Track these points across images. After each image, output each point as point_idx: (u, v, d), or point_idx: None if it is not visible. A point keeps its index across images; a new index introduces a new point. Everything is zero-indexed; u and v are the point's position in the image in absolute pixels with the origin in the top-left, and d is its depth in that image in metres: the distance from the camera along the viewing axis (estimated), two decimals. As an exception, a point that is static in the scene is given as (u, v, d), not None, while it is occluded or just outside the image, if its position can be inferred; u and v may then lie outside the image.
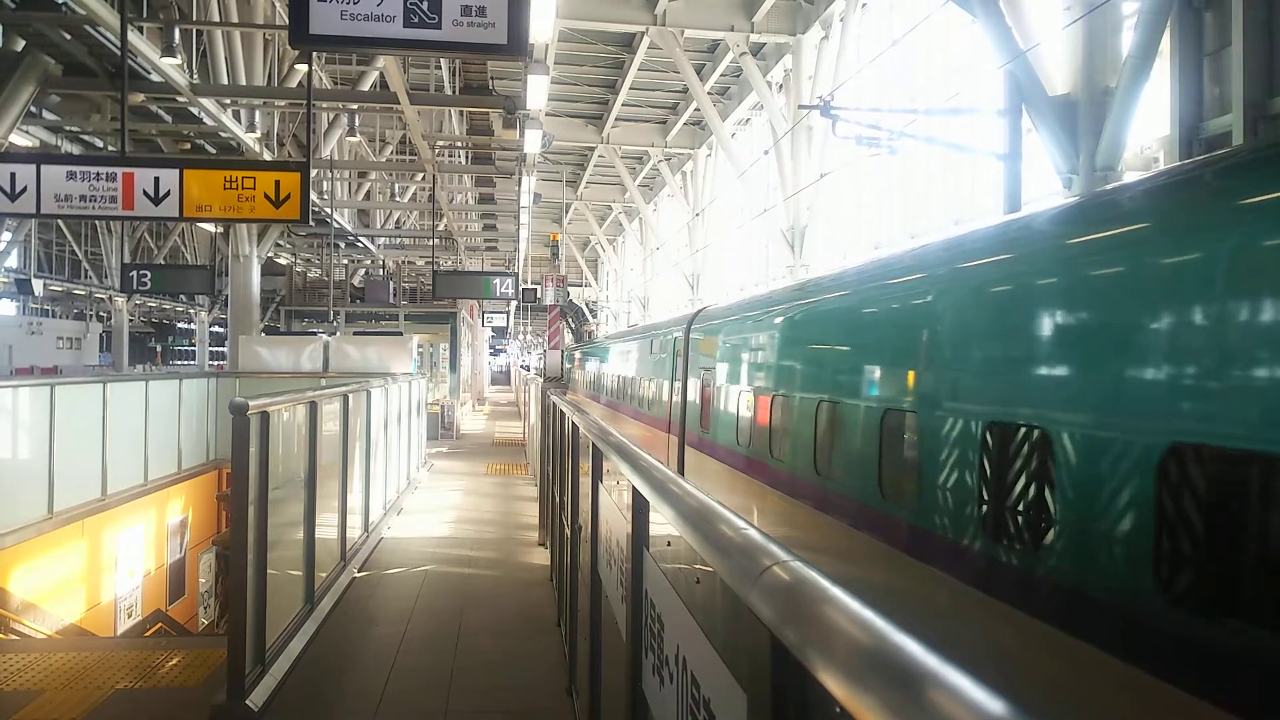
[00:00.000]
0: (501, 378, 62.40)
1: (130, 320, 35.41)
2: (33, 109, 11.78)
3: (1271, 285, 2.53)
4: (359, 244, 26.60)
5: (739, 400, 7.82)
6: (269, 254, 19.99)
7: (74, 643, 7.02)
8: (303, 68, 11.90)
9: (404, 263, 30.23)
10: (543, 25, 7.87)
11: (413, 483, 12.13)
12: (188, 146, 15.28)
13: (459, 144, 22.56)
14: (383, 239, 28.40)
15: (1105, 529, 3.03)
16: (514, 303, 34.06)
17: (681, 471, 9.33)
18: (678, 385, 10.56)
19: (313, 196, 15.72)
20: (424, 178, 20.05)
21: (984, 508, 3.77)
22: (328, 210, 19.37)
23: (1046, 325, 3.53)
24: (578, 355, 27.95)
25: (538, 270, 37.46)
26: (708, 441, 8.92)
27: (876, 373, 5.09)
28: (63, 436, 8.67)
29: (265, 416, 4.59)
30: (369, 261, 29.61)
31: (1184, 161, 7.78)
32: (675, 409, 10.65)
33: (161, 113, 13.66)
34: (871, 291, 5.39)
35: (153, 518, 11.24)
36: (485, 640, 5.71)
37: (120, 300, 31.91)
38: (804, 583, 1.07)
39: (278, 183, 7.13)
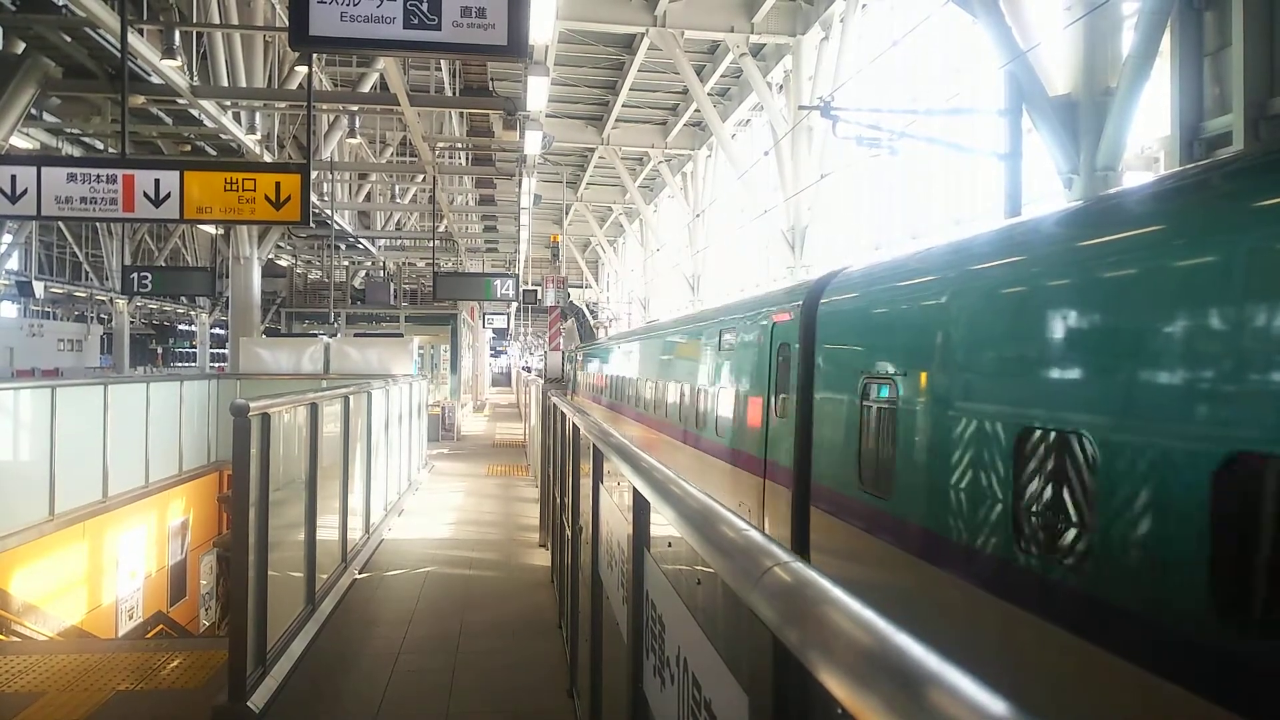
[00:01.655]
0: (502, 379, 62.42)
1: (131, 322, 35.40)
2: (33, 111, 11.79)
3: None
4: (359, 245, 26.61)
5: (1005, 451, 3.70)
6: (269, 256, 19.99)
7: (75, 645, 7.03)
8: (303, 69, 11.92)
9: (404, 264, 30.26)
10: (543, 26, 7.88)
11: (413, 484, 12.13)
12: (188, 148, 15.30)
13: (459, 145, 22.57)
14: (383, 240, 28.41)
15: None
16: (515, 304, 34.08)
17: (806, 551, 5.76)
18: (783, 403, 6.54)
19: (313, 198, 15.75)
20: (424, 179, 20.06)
21: None
22: (328, 212, 19.38)
23: None
24: (580, 357, 26.17)
25: (538, 271, 37.51)
26: (881, 515, 4.88)
27: None
28: (64, 438, 8.67)
29: (266, 418, 4.59)
30: (369, 263, 29.62)
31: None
32: (775, 441, 6.68)
33: (162, 115, 13.67)
34: None
35: (154, 519, 11.24)
36: (486, 642, 5.71)
37: (121, 302, 31.91)
38: (805, 584, 1.07)
39: (278, 184, 7.14)
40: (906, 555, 4.57)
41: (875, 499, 4.96)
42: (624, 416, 15.27)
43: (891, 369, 4.85)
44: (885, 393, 4.91)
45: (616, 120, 25.98)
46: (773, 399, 6.81)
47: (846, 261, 7.13)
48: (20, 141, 12.57)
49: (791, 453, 6.23)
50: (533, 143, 12.42)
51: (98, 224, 29.56)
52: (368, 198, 25.88)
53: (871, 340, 5.33)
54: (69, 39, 10.70)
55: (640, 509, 2.33)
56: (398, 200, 26.44)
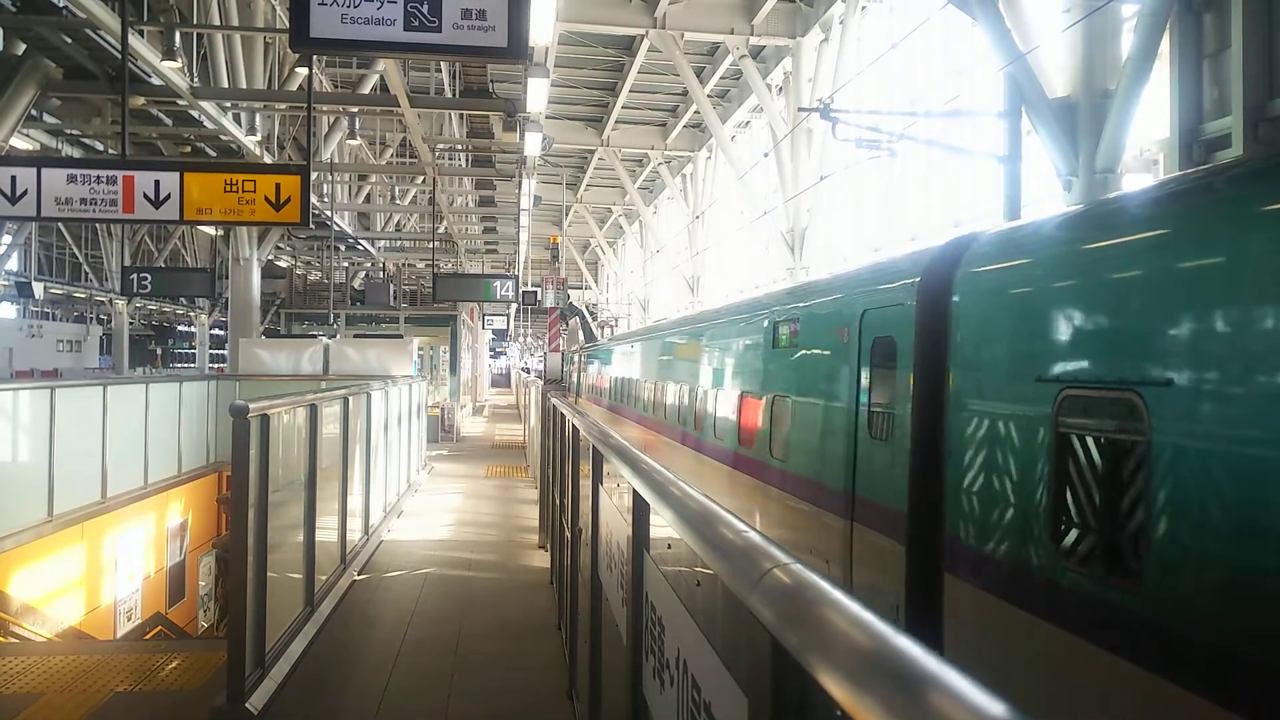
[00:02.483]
0: (502, 380, 62.65)
1: (130, 323, 35.39)
2: (33, 112, 11.80)
3: None
4: (359, 247, 26.63)
5: None
6: (269, 257, 20.00)
7: (73, 646, 7.02)
8: (303, 71, 11.91)
9: (404, 265, 30.27)
10: (543, 28, 7.88)
11: (413, 485, 12.13)
12: (188, 149, 15.31)
13: (459, 147, 22.58)
14: (383, 241, 28.43)
15: None
16: (514, 305, 34.09)
17: (937, 639, 4.08)
18: (883, 419, 4.88)
19: (313, 199, 15.75)
20: (424, 180, 20.07)
21: None
22: (328, 213, 19.39)
23: None
24: (583, 358, 24.98)
25: (538, 273, 37.52)
26: (1122, 612, 3.09)
27: None
28: (63, 439, 8.67)
29: (265, 419, 4.59)
30: (369, 264, 29.63)
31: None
32: (869, 471, 4.98)
33: (162, 116, 13.67)
34: None
35: (152, 521, 11.24)
36: (485, 643, 5.70)
37: (120, 303, 31.92)
38: (805, 585, 1.07)
39: (278, 186, 7.14)
40: (1191, 696, 2.73)
41: (1100, 584, 3.15)
42: (638, 425, 13.38)
43: (1140, 375, 3.01)
44: (1120, 416, 3.12)
45: (616, 122, 26.00)
46: (863, 412, 5.10)
47: (978, 226, 5.33)
48: (20, 142, 12.58)
49: (903, 490, 4.46)
50: (532, 144, 12.43)
51: (97, 225, 29.56)
52: (367, 199, 25.90)
53: (1089, 331, 3.38)
54: (69, 40, 10.71)
55: (640, 510, 2.33)
56: (397, 201, 26.46)
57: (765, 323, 7.26)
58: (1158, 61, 8.33)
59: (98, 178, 7.12)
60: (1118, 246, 3.40)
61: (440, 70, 17.38)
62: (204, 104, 11.72)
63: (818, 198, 17.70)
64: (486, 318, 37.10)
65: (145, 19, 10.48)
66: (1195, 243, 3.03)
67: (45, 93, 11.23)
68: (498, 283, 17.30)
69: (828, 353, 5.86)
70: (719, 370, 8.85)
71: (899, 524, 4.49)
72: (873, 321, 5.09)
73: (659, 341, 12.82)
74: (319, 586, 6.06)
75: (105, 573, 9.86)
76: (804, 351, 6.35)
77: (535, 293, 28.67)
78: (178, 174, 7.17)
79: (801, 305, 6.61)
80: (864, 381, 5.13)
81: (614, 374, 17.48)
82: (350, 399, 7.02)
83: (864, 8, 16.36)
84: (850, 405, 5.26)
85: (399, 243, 30.00)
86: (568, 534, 5.07)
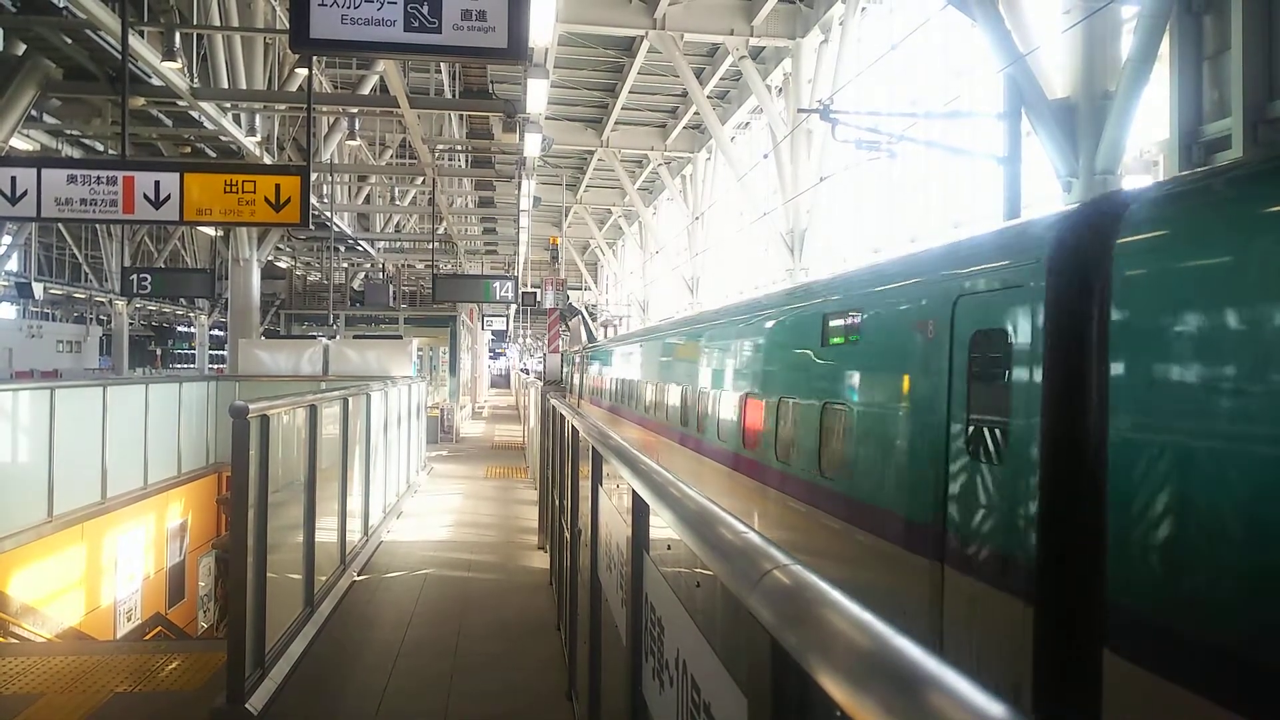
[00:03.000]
0: (501, 381, 62.76)
1: (130, 323, 35.39)
2: (33, 113, 11.80)
3: None
4: (359, 247, 26.63)
5: None
6: (269, 257, 20.01)
7: (73, 646, 7.02)
8: (303, 71, 11.91)
9: (404, 266, 30.28)
10: (543, 29, 7.89)
11: (412, 486, 12.13)
12: (188, 150, 15.31)
13: (459, 147, 22.59)
14: (382, 242, 28.44)
15: None
16: (514, 306, 34.10)
17: None
18: (990, 436, 3.82)
19: (313, 200, 15.74)
20: (424, 181, 20.08)
21: None
22: (328, 214, 19.39)
23: None
24: (585, 358, 24.11)
25: (537, 274, 37.54)
26: None
27: None
28: (62, 440, 8.67)
29: (265, 420, 4.59)
30: (369, 265, 29.64)
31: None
32: (968, 501, 3.93)
33: (162, 116, 13.67)
34: None
35: (152, 521, 11.23)
36: (485, 644, 5.70)
37: (120, 304, 31.91)
38: (804, 586, 1.07)
39: (278, 186, 7.14)
40: None
41: None
42: (647, 431, 12.36)
43: None
44: None
45: (616, 123, 26.00)
46: (958, 425, 4.03)
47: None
48: (20, 143, 12.58)
49: (1028, 531, 3.44)
50: (532, 145, 12.44)
51: (97, 225, 29.56)
52: (367, 200, 25.91)
53: None
54: (69, 40, 10.70)
55: (639, 511, 2.34)
56: (397, 202, 26.47)
57: (812, 316, 6.13)
58: (1157, 63, 8.34)
59: (98, 178, 7.12)
60: None
61: (440, 71, 17.38)
62: (204, 105, 11.72)
63: (817, 199, 17.70)
64: (486, 319, 37.12)
65: (145, 19, 10.48)
66: None
67: (45, 93, 11.23)
68: (497, 284, 17.31)
69: (903, 351, 4.67)
70: (751, 373, 7.65)
71: (1017, 573, 3.45)
72: (970, 310, 4.03)
73: (673, 341, 11.43)
74: (319, 587, 6.06)
75: (105, 573, 9.86)
76: (868, 350, 5.22)
77: (535, 294, 28.70)
78: (178, 175, 7.17)
79: (862, 294, 5.43)
80: (959, 387, 4.04)
81: (619, 376, 16.33)
82: (350, 400, 7.02)
83: (864, 9, 16.37)
84: (939, 417, 4.17)
85: (399, 244, 30.03)
86: (567, 535, 5.07)
